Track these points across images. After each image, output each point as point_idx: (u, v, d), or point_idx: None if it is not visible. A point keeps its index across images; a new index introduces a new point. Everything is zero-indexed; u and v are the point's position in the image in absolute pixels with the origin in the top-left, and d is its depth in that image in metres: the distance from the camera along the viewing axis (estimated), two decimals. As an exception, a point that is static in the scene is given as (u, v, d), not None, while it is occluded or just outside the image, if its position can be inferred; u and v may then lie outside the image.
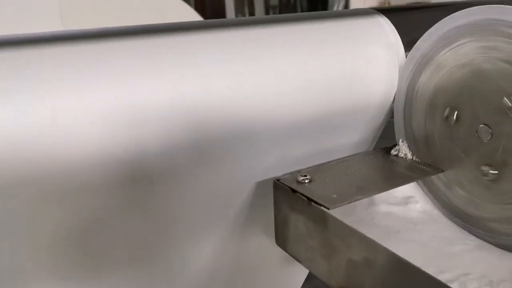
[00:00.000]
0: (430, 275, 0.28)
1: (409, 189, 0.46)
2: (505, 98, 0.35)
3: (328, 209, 0.35)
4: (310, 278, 0.52)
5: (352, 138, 0.47)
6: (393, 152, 0.46)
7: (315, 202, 0.36)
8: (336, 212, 0.35)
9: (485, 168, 0.38)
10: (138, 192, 0.36)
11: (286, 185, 0.40)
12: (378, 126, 0.48)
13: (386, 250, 0.31)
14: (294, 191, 0.39)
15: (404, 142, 0.46)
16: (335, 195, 0.37)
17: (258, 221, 0.46)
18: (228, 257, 0.47)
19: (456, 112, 0.39)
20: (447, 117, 0.40)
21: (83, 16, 1.05)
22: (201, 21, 0.42)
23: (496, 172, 0.37)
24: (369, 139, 0.49)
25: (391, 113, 0.47)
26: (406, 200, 0.46)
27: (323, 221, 0.36)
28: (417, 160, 0.44)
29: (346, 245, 0.34)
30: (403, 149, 0.45)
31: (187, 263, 0.44)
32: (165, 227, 0.40)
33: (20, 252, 0.34)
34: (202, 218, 0.42)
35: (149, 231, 0.40)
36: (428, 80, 0.42)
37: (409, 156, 0.45)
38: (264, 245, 0.46)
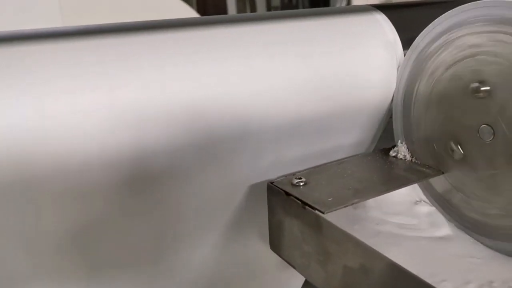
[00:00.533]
0: (428, 284, 0.26)
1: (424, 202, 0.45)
2: None
3: (323, 213, 0.34)
4: (307, 284, 0.51)
5: (350, 139, 0.46)
6: (392, 153, 0.45)
7: (310, 206, 0.35)
8: (332, 217, 0.34)
9: (487, 169, 0.37)
10: (132, 196, 0.36)
11: (280, 188, 0.38)
12: (376, 127, 0.47)
13: (383, 257, 0.29)
14: (288, 194, 0.37)
15: (403, 143, 0.44)
16: (330, 199, 0.36)
17: (254, 224, 0.45)
18: (223, 262, 0.46)
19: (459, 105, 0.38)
20: (474, 88, 0.37)
21: (83, 16, 1.05)
22: (201, 17, 0.41)
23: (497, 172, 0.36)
24: (368, 140, 0.48)
25: (390, 114, 0.46)
26: (423, 215, 0.44)
27: (317, 226, 0.35)
28: (416, 161, 0.43)
29: (342, 251, 0.33)
30: (402, 150, 0.44)
31: (182, 268, 0.43)
32: (160, 232, 0.40)
33: (20, 253, 0.34)
34: (196, 222, 0.41)
35: (143, 236, 0.39)
36: (427, 79, 0.40)
37: (408, 157, 0.44)
38: (259, 249, 0.46)
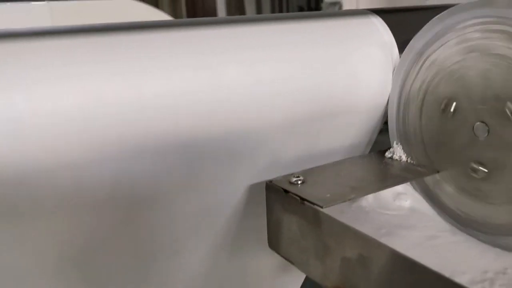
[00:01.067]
0: (431, 269, 0.27)
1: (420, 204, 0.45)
2: (508, 103, 0.35)
3: (322, 207, 0.34)
4: (307, 281, 0.50)
5: (346, 141, 0.47)
6: (388, 154, 0.45)
7: (308, 201, 0.35)
8: (330, 213, 0.34)
9: (475, 166, 0.38)
10: (129, 198, 0.35)
11: (278, 186, 0.39)
12: (372, 129, 0.47)
13: (384, 246, 0.30)
14: (286, 191, 0.38)
15: (399, 144, 0.45)
16: (328, 195, 0.36)
17: (252, 225, 0.44)
18: (221, 263, 0.45)
19: (454, 103, 0.39)
20: (443, 110, 0.39)
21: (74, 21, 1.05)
22: (192, 19, 0.41)
23: (486, 170, 0.37)
24: (364, 142, 0.48)
25: (385, 116, 0.47)
26: (419, 213, 0.44)
27: (316, 220, 0.35)
28: (412, 162, 0.44)
29: (341, 244, 0.33)
30: (397, 151, 0.45)
31: (178, 271, 0.43)
32: (156, 234, 0.39)
33: (11, 270, 0.33)
34: (194, 224, 0.41)
35: (139, 237, 0.38)
36: (423, 80, 0.41)
37: (404, 158, 0.44)
38: (258, 250, 0.45)
